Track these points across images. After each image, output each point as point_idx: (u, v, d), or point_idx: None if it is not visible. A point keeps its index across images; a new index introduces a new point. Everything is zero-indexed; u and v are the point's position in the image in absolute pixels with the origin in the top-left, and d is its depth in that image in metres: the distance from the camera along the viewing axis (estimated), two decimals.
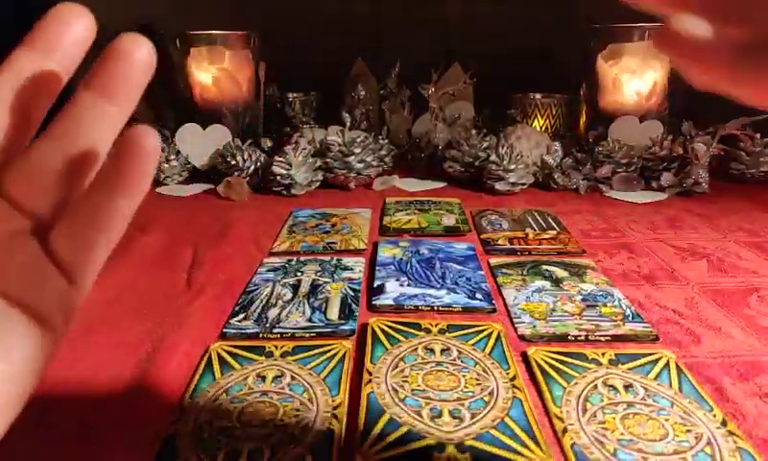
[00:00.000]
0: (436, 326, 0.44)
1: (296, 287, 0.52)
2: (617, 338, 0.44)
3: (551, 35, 1.32)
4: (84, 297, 0.19)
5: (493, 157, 0.89)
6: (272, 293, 0.51)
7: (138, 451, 0.31)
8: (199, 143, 1.00)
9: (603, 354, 0.40)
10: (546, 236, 0.67)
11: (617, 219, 0.76)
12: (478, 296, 0.51)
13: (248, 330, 0.45)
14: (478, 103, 1.20)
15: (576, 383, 0.37)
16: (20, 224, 0.18)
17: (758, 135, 0.92)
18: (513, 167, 0.88)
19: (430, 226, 0.71)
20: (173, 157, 0.96)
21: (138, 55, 0.17)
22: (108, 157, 0.18)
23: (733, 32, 0.15)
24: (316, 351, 0.41)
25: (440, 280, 0.54)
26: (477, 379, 0.37)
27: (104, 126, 0.18)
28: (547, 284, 0.53)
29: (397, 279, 0.54)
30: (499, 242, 0.65)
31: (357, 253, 0.62)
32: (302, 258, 0.60)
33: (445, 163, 0.96)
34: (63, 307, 0.18)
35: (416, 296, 0.51)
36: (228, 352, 0.41)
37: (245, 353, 0.41)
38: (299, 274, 0.56)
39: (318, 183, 0.91)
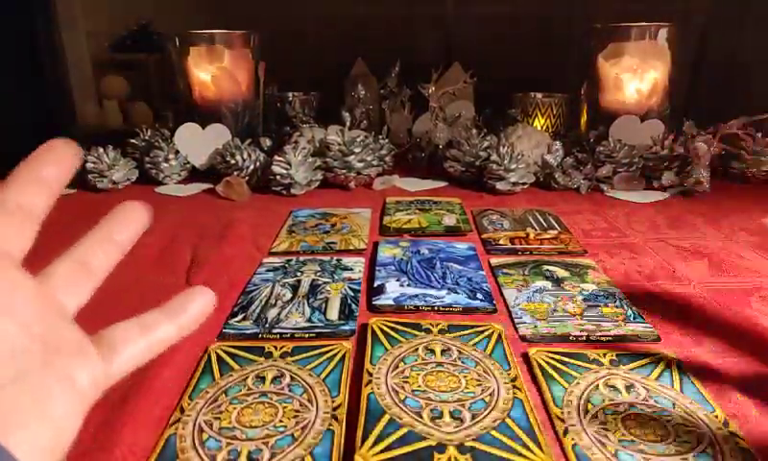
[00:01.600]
0: (436, 326, 0.44)
1: (295, 287, 0.52)
2: (619, 338, 0.43)
3: (552, 34, 1.32)
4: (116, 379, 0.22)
5: (494, 157, 0.88)
6: (271, 293, 0.51)
7: (138, 451, 0.31)
8: (198, 142, 0.99)
9: (604, 355, 0.40)
10: (547, 236, 0.67)
11: (618, 219, 0.76)
12: (479, 296, 0.50)
13: (247, 331, 0.44)
14: (479, 102, 1.20)
15: (577, 384, 0.37)
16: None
17: (759, 135, 0.92)
18: (513, 167, 0.87)
19: (431, 225, 0.71)
20: (172, 156, 0.95)
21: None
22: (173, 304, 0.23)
23: None
24: (316, 351, 0.41)
25: (440, 280, 0.54)
26: (478, 380, 0.37)
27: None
28: (548, 284, 0.53)
29: (398, 280, 0.54)
30: (500, 242, 0.65)
31: (357, 253, 0.62)
32: (302, 258, 0.60)
33: (446, 163, 0.95)
34: (95, 379, 0.21)
35: (416, 296, 0.50)
36: (228, 353, 0.40)
37: (244, 354, 0.40)
38: (298, 274, 0.55)
39: (317, 183, 0.91)
